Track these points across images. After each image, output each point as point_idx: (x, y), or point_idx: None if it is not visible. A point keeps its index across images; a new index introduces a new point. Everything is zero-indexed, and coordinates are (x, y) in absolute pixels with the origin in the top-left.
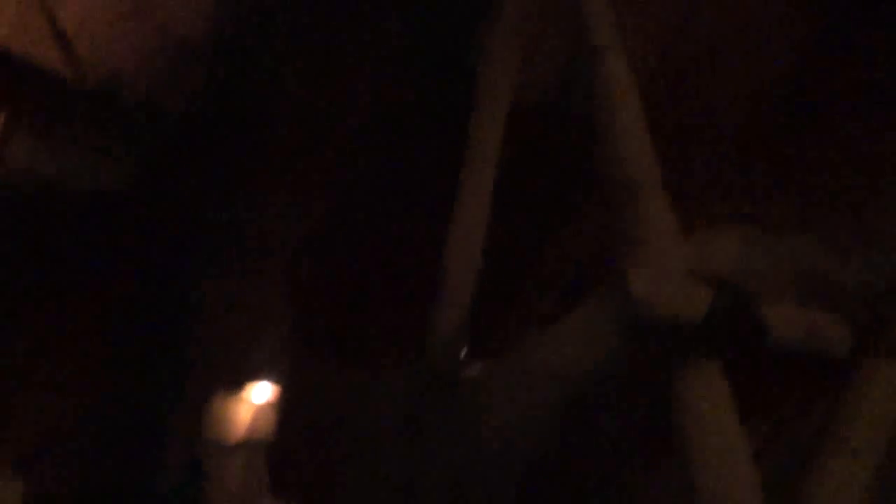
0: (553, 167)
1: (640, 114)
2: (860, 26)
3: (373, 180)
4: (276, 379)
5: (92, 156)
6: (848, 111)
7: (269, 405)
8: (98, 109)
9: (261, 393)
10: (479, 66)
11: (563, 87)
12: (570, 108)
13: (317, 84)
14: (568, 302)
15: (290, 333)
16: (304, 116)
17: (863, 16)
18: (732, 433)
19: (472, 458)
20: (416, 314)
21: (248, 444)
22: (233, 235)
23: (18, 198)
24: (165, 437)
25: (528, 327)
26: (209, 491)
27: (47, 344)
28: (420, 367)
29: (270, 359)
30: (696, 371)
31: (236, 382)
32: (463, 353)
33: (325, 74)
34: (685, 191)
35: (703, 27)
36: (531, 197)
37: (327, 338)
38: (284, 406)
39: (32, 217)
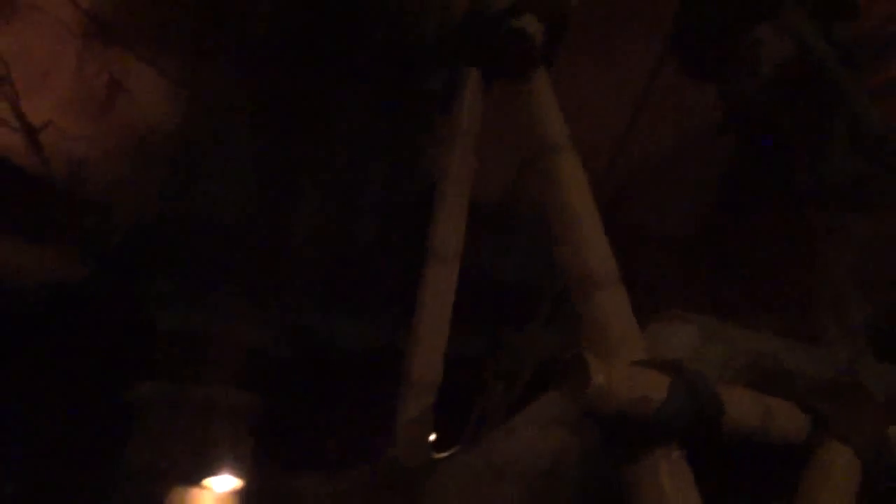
0: (515, 260)
1: (594, 210)
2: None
3: (325, 280)
4: (236, 472)
5: (44, 248)
6: (786, 212)
7: (232, 495)
8: (57, 201)
9: (223, 483)
10: (438, 167)
11: (519, 186)
12: (525, 207)
13: (271, 198)
14: (530, 393)
15: (248, 429)
16: (258, 228)
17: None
18: None
19: None
20: (379, 412)
21: None
22: (182, 336)
23: None
24: None
25: (493, 419)
26: None
27: None
28: (388, 459)
29: (227, 454)
30: (658, 457)
31: (194, 475)
32: (429, 442)
33: (279, 187)
34: (641, 284)
35: (644, 138)
36: (493, 292)
37: (291, 433)
38: (247, 496)
39: None
